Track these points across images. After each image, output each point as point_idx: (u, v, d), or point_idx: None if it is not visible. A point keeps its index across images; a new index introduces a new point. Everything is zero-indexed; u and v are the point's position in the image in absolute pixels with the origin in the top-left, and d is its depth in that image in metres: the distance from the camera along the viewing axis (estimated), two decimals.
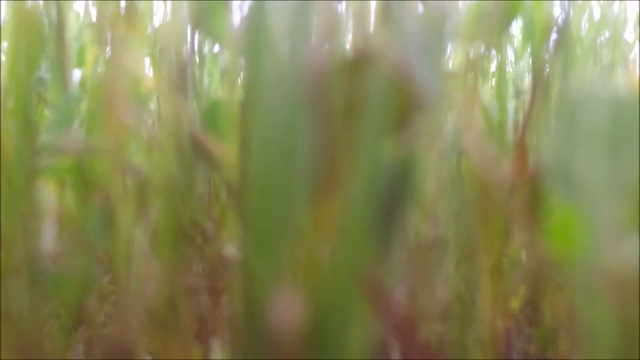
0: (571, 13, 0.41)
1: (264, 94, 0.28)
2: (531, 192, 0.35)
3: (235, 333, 0.29)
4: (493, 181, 0.35)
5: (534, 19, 0.42)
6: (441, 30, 0.29)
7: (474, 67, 0.37)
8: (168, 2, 0.38)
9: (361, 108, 0.28)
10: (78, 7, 0.57)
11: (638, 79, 0.76)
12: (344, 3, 0.33)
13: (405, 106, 0.28)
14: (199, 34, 0.41)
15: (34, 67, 0.36)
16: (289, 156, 0.28)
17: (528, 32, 0.44)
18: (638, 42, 0.78)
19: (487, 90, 0.55)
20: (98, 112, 0.36)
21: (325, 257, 0.28)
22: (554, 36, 0.39)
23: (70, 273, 0.37)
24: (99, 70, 0.38)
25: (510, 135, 0.44)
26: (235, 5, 0.42)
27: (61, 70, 0.46)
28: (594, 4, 0.67)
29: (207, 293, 0.35)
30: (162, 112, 0.37)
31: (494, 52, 0.47)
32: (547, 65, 0.39)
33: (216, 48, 0.49)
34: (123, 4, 0.37)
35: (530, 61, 0.42)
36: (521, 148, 0.37)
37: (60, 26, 0.46)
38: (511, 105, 0.49)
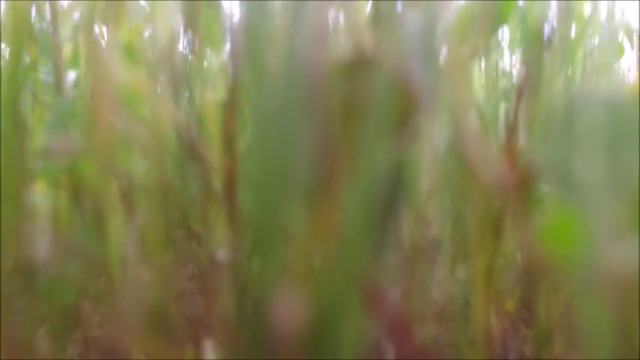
0: (564, 14, 0.41)
1: (260, 97, 0.28)
2: (526, 193, 0.35)
3: (228, 335, 0.28)
4: (488, 182, 0.35)
5: (527, 20, 0.42)
6: (434, 31, 0.29)
7: (468, 68, 0.37)
8: (161, 5, 0.38)
9: (357, 110, 0.28)
10: (72, 9, 0.56)
11: (633, 80, 0.76)
12: (340, 6, 0.33)
13: (401, 108, 0.28)
14: (192, 37, 0.41)
15: (27, 69, 0.35)
16: (284, 158, 0.28)
17: (521, 33, 0.45)
18: (632, 44, 0.78)
19: (481, 91, 0.55)
20: (87, 115, 0.36)
21: (321, 259, 0.28)
22: (547, 37, 0.39)
23: (64, 276, 0.37)
24: (89, 73, 0.38)
25: (505, 136, 0.45)
26: (230, 7, 0.42)
27: (54, 72, 0.46)
28: (588, 5, 0.67)
29: (200, 295, 0.35)
30: (154, 115, 0.36)
31: (487, 53, 0.47)
32: (542, 67, 0.39)
33: (210, 51, 0.49)
34: (115, 6, 0.37)
35: (524, 62, 0.42)
36: (516, 149, 0.37)
37: (53, 29, 0.46)
38: (505, 106, 0.49)
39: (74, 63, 0.54)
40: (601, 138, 0.24)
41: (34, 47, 0.47)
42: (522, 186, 0.35)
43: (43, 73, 0.48)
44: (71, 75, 0.52)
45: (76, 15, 0.56)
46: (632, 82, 0.74)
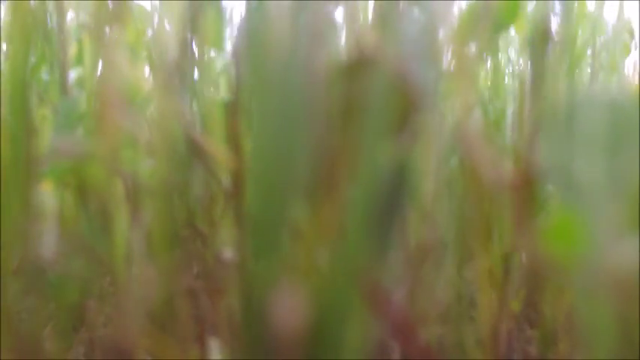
0: (569, 15, 0.41)
1: (263, 97, 0.28)
2: (530, 193, 0.35)
3: (234, 334, 0.29)
4: (492, 183, 0.35)
5: (532, 20, 0.42)
6: (436, 32, 0.29)
7: (471, 69, 0.37)
8: (165, 5, 0.39)
9: (359, 110, 0.28)
10: (77, 8, 0.57)
11: (635, 81, 0.76)
12: (341, 6, 0.33)
13: (403, 108, 0.28)
14: (196, 37, 0.41)
15: (33, 68, 0.35)
16: (288, 158, 0.28)
17: (526, 34, 0.44)
18: (636, 45, 0.78)
19: (485, 91, 0.55)
20: (93, 115, 0.36)
21: (324, 259, 0.28)
22: (552, 38, 0.39)
23: (69, 275, 0.37)
24: (96, 73, 0.38)
25: (508, 136, 0.45)
26: (233, 8, 0.42)
27: (60, 72, 0.46)
28: (592, 6, 0.67)
29: (205, 294, 0.35)
30: (159, 114, 0.37)
31: (491, 53, 0.47)
32: (545, 67, 0.39)
33: (214, 51, 0.49)
34: (119, 6, 0.37)
35: (529, 62, 0.42)
36: (520, 149, 0.37)
37: (60, 27, 0.46)
38: (509, 107, 0.49)
39: (79, 62, 0.55)
40: (604, 138, 0.24)
41: (40, 46, 0.47)
42: (526, 186, 0.35)
43: (48, 73, 0.49)
44: (76, 74, 0.52)
45: (81, 15, 0.56)
46: (635, 83, 0.74)
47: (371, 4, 0.32)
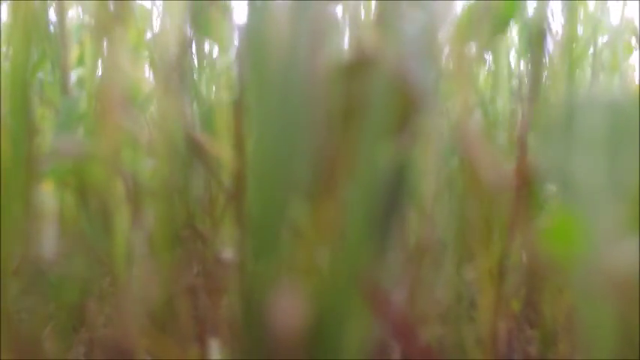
0: (570, 15, 0.41)
1: (263, 97, 0.28)
2: (530, 193, 0.35)
3: (234, 334, 0.29)
4: (492, 183, 0.35)
5: (532, 21, 0.42)
6: (436, 32, 0.29)
7: (471, 69, 0.37)
8: (168, 6, 0.39)
9: (360, 110, 0.28)
10: (78, 8, 0.57)
11: (635, 82, 0.76)
12: (341, 6, 0.33)
13: (403, 108, 0.28)
14: (198, 37, 0.41)
15: (34, 69, 0.35)
16: (289, 158, 0.28)
17: (526, 34, 0.44)
18: (636, 45, 0.78)
19: (485, 91, 0.55)
20: (94, 115, 0.36)
21: (324, 259, 0.28)
22: (551, 38, 0.39)
23: (69, 275, 0.37)
24: (96, 73, 0.38)
25: (508, 137, 0.45)
26: (234, 9, 0.42)
27: (61, 72, 0.46)
28: (593, 6, 0.67)
29: (205, 294, 0.35)
30: (160, 114, 0.37)
31: (491, 53, 0.47)
32: (544, 67, 0.39)
33: (215, 51, 0.49)
34: (120, 6, 0.37)
35: (529, 63, 0.42)
36: (520, 149, 0.37)
37: (60, 28, 0.46)
38: (509, 107, 0.49)
39: (80, 62, 0.55)
40: (604, 139, 0.24)
41: (41, 46, 0.47)
42: (526, 186, 0.35)
43: (49, 73, 0.49)
44: (76, 74, 0.52)
45: (82, 15, 0.56)
46: (636, 83, 0.74)
47: (372, 4, 0.32)
